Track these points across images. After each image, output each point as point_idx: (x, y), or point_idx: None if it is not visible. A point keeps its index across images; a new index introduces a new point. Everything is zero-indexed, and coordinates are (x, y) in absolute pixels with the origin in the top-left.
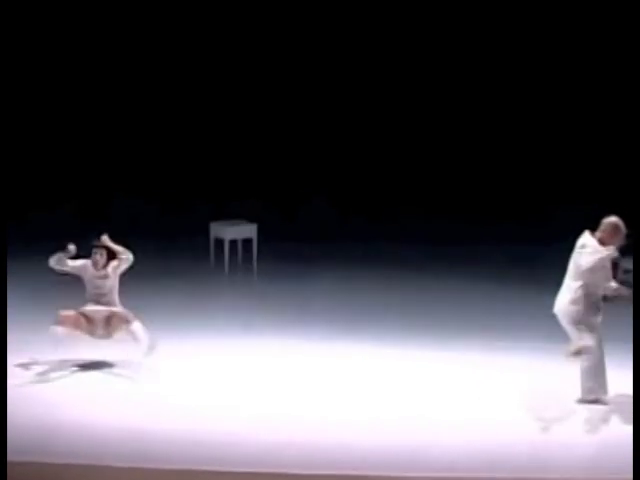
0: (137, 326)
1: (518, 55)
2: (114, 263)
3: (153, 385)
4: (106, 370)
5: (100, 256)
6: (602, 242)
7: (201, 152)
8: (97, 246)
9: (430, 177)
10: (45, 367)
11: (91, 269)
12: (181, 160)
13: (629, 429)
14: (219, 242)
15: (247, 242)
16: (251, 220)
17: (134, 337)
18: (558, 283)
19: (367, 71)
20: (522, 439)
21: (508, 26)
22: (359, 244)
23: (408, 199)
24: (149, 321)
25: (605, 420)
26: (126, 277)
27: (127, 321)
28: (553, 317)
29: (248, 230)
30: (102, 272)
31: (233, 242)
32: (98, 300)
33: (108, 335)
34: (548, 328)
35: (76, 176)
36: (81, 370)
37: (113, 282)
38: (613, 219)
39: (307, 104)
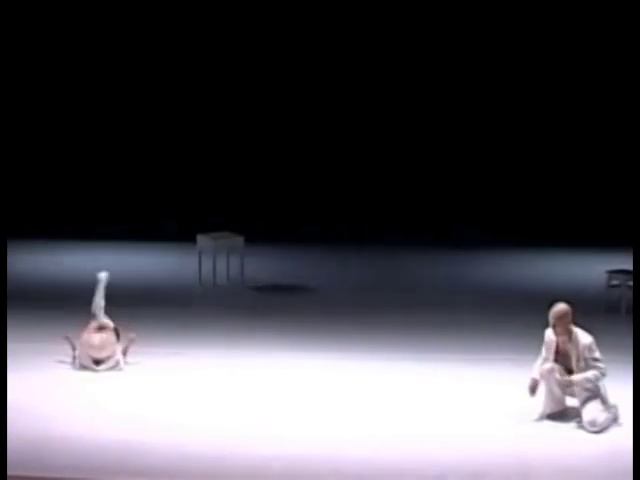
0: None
1: (499, 88)
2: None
3: (142, 399)
4: (98, 384)
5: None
6: (558, 335)
7: (188, 165)
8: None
9: (415, 197)
10: (38, 382)
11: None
12: (168, 173)
13: (619, 442)
14: (206, 254)
15: (234, 254)
16: (238, 232)
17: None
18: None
19: (347, 92)
20: (510, 451)
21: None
22: (346, 257)
23: (394, 216)
24: (135, 335)
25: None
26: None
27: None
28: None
29: (235, 242)
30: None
31: (220, 255)
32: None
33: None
34: (530, 341)
35: (69, 191)
36: (73, 383)
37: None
38: (559, 309)
39: (296, 121)
